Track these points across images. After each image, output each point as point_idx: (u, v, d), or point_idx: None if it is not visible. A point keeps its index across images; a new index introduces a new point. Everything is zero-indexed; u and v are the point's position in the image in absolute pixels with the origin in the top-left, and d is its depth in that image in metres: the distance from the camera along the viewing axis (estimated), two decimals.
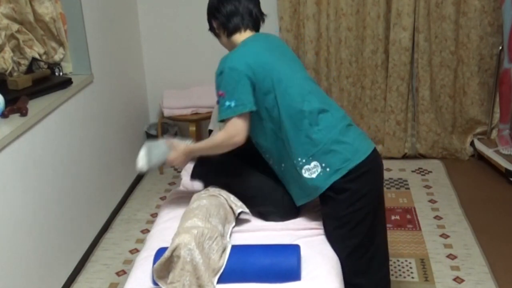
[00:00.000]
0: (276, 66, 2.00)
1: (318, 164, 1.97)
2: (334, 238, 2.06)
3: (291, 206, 2.19)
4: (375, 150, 2.05)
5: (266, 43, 2.11)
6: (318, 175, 1.98)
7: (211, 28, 2.20)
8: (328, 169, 1.97)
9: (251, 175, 2.23)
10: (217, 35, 2.20)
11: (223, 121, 1.99)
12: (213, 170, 2.28)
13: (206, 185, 2.33)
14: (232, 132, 1.96)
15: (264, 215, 2.21)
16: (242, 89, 1.94)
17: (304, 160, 1.99)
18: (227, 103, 1.94)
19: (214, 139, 2.04)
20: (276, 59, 2.03)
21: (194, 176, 2.34)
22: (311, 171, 1.98)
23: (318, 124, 1.98)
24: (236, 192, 2.23)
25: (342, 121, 2.03)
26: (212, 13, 2.15)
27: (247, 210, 2.18)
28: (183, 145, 2.13)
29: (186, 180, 2.63)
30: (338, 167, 1.96)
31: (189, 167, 2.77)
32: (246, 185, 2.23)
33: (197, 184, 2.53)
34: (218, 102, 1.99)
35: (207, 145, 2.07)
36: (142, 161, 2.16)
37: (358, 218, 2.00)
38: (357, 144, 2.01)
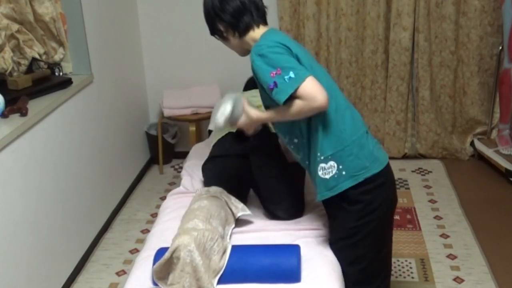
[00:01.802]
0: (305, 56, 1.87)
1: (335, 164, 1.87)
2: (338, 247, 2.01)
3: (298, 202, 2.21)
4: (389, 162, 1.97)
5: (288, 36, 1.99)
6: (332, 176, 1.88)
7: (215, 32, 2.00)
8: (344, 173, 1.87)
9: (262, 168, 2.22)
10: (224, 39, 2.00)
11: (294, 96, 1.76)
12: (224, 160, 2.28)
13: (212, 175, 2.34)
14: (312, 94, 1.73)
15: (272, 211, 2.23)
16: (292, 59, 1.78)
17: (322, 157, 1.87)
18: (286, 76, 1.73)
19: (292, 108, 1.78)
20: (301, 51, 1.88)
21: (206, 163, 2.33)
22: (326, 171, 1.88)
23: (344, 122, 1.88)
24: (245, 183, 2.26)
25: (363, 126, 1.96)
26: (216, 14, 1.94)
27: (247, 212, 2.17)
28: (255, 114, 1.94)
29: (186, 180, 2.63)
30: (355, 173, 1.86)
31: (191, 167, 2.78)
32: (256, 176, 2.25)
33: (197, 184, 2.53)
34: (272, 87, 1.77)
35: (284, 115, 1.84)
36: (226, 110, 1.92)
37: (366, 231, 1.93)
38: (376, 153, 1.92)
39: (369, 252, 1.98)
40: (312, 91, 1.73)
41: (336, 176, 1.87)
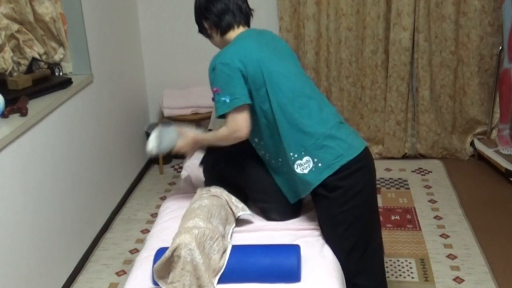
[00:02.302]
0: (267, 61, 2.00)
1: (310, 159, 1.97)
2: (331, 238, 2.05)
3: (292, 205, 2.20)
4: (367, 148, 2.06)
5: (259, 38, 2.10)
6: (310, 170, 1.97)
7: (202, 29, 2.18)
8: (320, 164, 1.96)
9: (257, 169, 2.23)
10: (209, 36, 2.18)
11: (222, 116, 2.00)
12: (222, 159, 2.29)
13: (211, 175, 2.34)
14: (233, 128, 1.98)
15: (265, 212, 2.22)
16: (235, 83, 1.95)
17: (296, 155, 1.98)
18: (222, 99, 1.96)
19: (218, 133, 2.07)
20: (267, 54, 2.03)
21: (203, 162, 2.38)
22: (303, 166, 1.98)
23: (311, 118, 1.99)
24: (240, 184, 2.24)
25: (334, 118, 2.04)
26: (202, 13, 2.13)
27: (248, 212, 2.17)
28: (192, 134, 2.16)
29: (186, 180, 2.63)
30: (330, 163, 1.96)
31: (189, 166, 2.78)
32: (251, 178, 2.24)
33: (198, 184, 2.53)
34: (213, 99, 2.01)
35: (213, 138, 2.12)
36: (152, 144, 2.16)
37: (352, 217, 2.00)
38: (350, 140, 2.01)
39: (361, 240, 2.03)
40: (237, 124, 1.96)
41: (313, 169, 1.97)
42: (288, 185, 2.12)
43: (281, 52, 2.11)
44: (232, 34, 2.11)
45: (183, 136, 2.16)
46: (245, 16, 2.14)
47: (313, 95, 2.05)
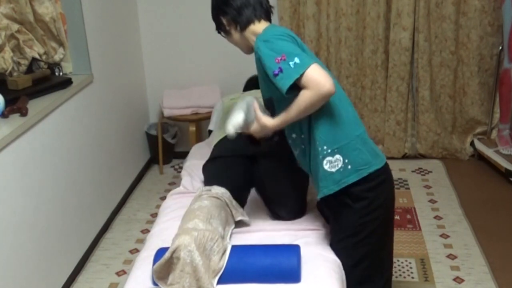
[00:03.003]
0: (307, 51, 1.89)
1: (341, 158, 1.88)
2: (342, 246, 2.01)
3: (301, 202, 2.21)
4: (387, 162, 1.99)
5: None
6: (338, 170, 1.88)
7: (220, 26, 2.05)
8: (349, 167, 1.88)
9: (262, 168, 2.23)
10: (227, 33, 2.05)
11: (291, 91, 1.76)
12: (225, 161, 2.28)
13: (212, 176, 2.35)
14: (316, 84, 1.72)
15: (274, 210, 2.24)
16: (296, 46, 1.79)
17: (329, 150, 1.88)
18: (292, 62, 1.74)
19: (301, 103, 1.78)
20: (305, 46, 1.91)
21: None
22: (332, 164, 1.88)
23: (348, 115, 1.90)
24: (244, 184, 2.25)
25: (362, 124, 1.99)
26: (221, 9, 2.01)
27: (246, 218, 2.17)
28: (265, 120, 1.91)
29: (186, 180, 2.63)
30: (360, 168, 1.88)
31: (190, 167, 2.78)
32: (257, 177, 2.25)
33: (197, 184, 2.53)
34: (277, 73, 1.76)
35: (296, 113, 1.82)
36: (234, 128, 1.91)
37: (370, 228, 1.95)
38: (376, 150, 1.96)
39: (373, 250, 1.99)
40: (318, 76, 1.72)
41: (342, 170, 1.88)
42: (316, 177, 1.99)
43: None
44: (254, 28, 1.96)
45: (258, 120, 1.93)
46: (266, 12, 2.01)
47: (346, 96, 1.97)
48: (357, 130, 1.91)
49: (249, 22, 1.97)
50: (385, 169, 1.96)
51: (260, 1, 2.00)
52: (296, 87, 1.76)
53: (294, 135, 2.00)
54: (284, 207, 2.22)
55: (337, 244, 2.03)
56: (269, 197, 2.27)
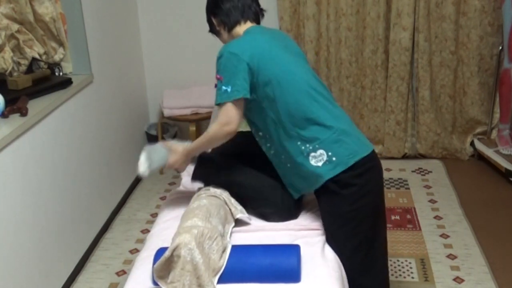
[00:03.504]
0: (278, 55, 2.00)
1: (324, 152, 1.96)
2: (336, 237, 2.05)
3: (291, 207, 2.19)
4: (374, 150, 2.07)
5: (269, 33, 2.11)
6: (324, 163, 1.96)
7: (211, 27, 2.20)
8: (334, 159, 1.96)
9: (251, 176, 2.22)
10: (217, 33, 2.20)
11: (219, 105, 1.98)
12: (214, 172, 2.27)
13: (206, 185, 2.33)
14: (224, 120, 1.95)
15: (264, 216, 2.21)
16: (240, 75, 1.93)
17: (310, 147, 1.97)
18: (224, 88, 1.93)
19: (207, 133, 2.04)
20: (278, 49, 2.03)
21: (195, 177, 2.33)
22: (317, 158, 1.97)
23: (326, 112, 1.98)
24: (236, 193, 2.22)
25: (345, 116, 2.06)
26: (212, 10, 2.15)
27: (246, 215, 2.17)
28: (181, 147, 2.13)
29: (186, 180, 2.63)
30: (345, 158, 1.95)
31: (190, 168, 2.78)
32: (246, 186, 2.22)
33: (197, 184, 2.53)
34: (216, 86, 1.98)
35: (202, 141, 2.07)
36: (143, 166, 2.12)
37: (361, 216, 2.00)
38: (362, 138, 2.04)
39: (367, 239, 2.03)
40: (228, 117, 1.95)
41: (327, 162, 1.97)
42: (290, 180, 2.10)
43: (291, 49, 2.12)
44: (239, 29, 2.11)
45: (173, 151, 2.13)
46: (254, 14, 2.14)
47: (324, 91, 2.05)
48: (338, 122, 1.99)
49: (235, 23, 2.12)
50: (372, 157, 2.02)
51: (249, 4, 2.13)
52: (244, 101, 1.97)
53: (272, 149, 2.11)
54: (270, 212, 2.20)
55: (330, 235, 2.06)
56: (251, 204, 2.24)
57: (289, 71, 1.99)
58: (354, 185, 1.97)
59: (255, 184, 2.21)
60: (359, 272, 2.05)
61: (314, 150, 1.97)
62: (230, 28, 2.12)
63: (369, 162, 2.00)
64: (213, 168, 2.27)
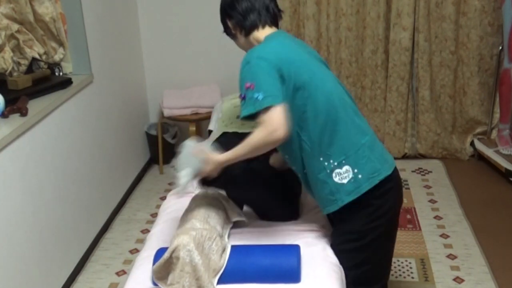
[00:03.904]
0: (308, 64, 1.87)
1: (350, 169, 1.85)
2: (344, 249, 2.00)
3: (291, 212, 2.20)
4: (396, 166, 1.97)
5: (294, 40, 2.01)
6: (349, 181, 1.86)
7: (226, 29, 2.04)
8: (360, 176, 1.85)
9: (251, 184, 2.16)
10: (233, 36, 2.03)
11: (249, 118, 1.77)
12: (213, 182, 2.11)
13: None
14: (270, 128, 1.72)
15: (266, 216, 2.22)
16: (271, 80, 1.76)
17: (336, 163, 1.85)
18: (255, 95, 1.73)
19: (251, 141, 1.78)
20: (307, 57, 1.90)
21: (202, 183, 2.14)
22: (342, 175, 1.86)
23: (354, 126, 1.87)
24: (237, 203, 2.21)
25: (370, 129, 1.95)
26: (227, 12, 1.98)
27: (243, 218, 2.17)
28: (217, 156, 1.87)
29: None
30: (370, 176, 1.86)
31: None
32: (245, 198, 2.21)
33: (196, 184, 2.53)
34: (243, 97, 1.77)
35: (245, 150, 1.81)
36: (185, 180, 1.90)
37: (374, 235, 1.93)
38: (385, 155, 1.94)
39: (374, 255, 1.98)
40: (275, 123, 1.71)
41: (353, 180, 1.86)
42: (318, 194, 1.97)
43: (316, 57, 2.01)
44: (258, 34, 1.94)
45: (209, 161, 1.87)
46: (272, 17, 1.97)
47: (351, 103, 1.92)
48: (363, 138, 1.88)
49: (253, 27, 1.95)
50: (394, 176, 1.94)
51: (266, 5, 1.96)
52: (253, 117, 1.76)
53: (287, 156, 1.98)
54: (273, 215, 2.21)
55: (338, 246, 2.02)
56: (257, 212, 2.25)
57: (319, 79, 1.85)
58: (372, 206, 1.89)
59: (256, 193, 2.17)
60: (355, 283, 2.01)
61: (340, 166, 1.85)
62: (248, 32, 1.96)
63: (390, 182, 1.91)
64: (225, 180, 2.12)
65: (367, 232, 1.93)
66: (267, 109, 1.72)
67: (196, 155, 1.89)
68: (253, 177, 2.12)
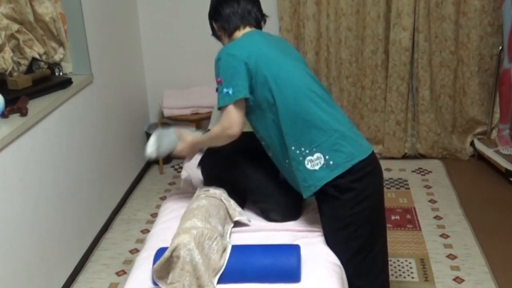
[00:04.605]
0: (276, 56, 2.00)
1: (321, 156, 1.95)
2: (336, 240, 2.04)
3: (293, 206, 2.20)
4: (373, 152, 2.06)
5: (267, 37, 2.11)
6: (321, 167, 1.95)
7: (213, 31, 2.22)
8: (331, 162, 1.94)
9: (256, 170, 2.23)
10: (219, 38, 2.21)
11: (221, 109, 1.99)
12: (221, 161, 2.28)
13: (209, 178, 2.34)
14: (226, 124, 1.96)
15: (265, 213, 2.22)
16: (239, 75, 1.94)
17: (307, 151, 1.96)
18: (225, 90, 1.94)
19: (212, 132, 2.07)
20: (276, 50, 2.03)
21: (201, 163, 2.37)
22: (314, 162, 1.96)
23: (324, 114, 1.96)
24: (240, 186, 2.24)
25: (345, 117, 2.04)
26: (212, 15, 2.17)
27: (245, 217, 2.17)
28: (190, 137, 2.17)
29: (186, 180, 2.63)
30: (342, 161, 1.94)
31: (189, 166, 2.78)
32: (250, 179, 2.23)
33: (197, 184, 2.53)
34: (217, 89, 1.99)
35: (206, 138, 2.12)
36: (151, 148, 2.16)
37: (361, 220, 1.99)
38: (360, 141, 2.02)
39: (367, 242, 2.02)
40: (230, 121, 1.95)
41: (325, 166, 1.95)
42: (298, 182, 2.06)
43: (290, 53, 2.12)
44: (238, 33, 2.11)
45: (182, 139, 2.17)
46: (254, 20, 2.14)
47: (323, 94, 2.03)
48: (335, 125, 1.97)
49: (235, 29, 2.12)
50: (371, 160, 2.01)
51: (249, 10, 2.13)
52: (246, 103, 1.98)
53: (274, 153, 2.11)
54: (272, 208, 2.21)
55: (330, 239, 2.06)
56: (253, 199, 2.27)
57: (287, 72, 1.98)
58: (353, 190, 1.96)
59: (261, 178, 2.22)
60: (358, 275, 2.04)
61: (311, 154, 1.96)
62: (230, 33, 2.12)
63: (368, 165, 1.99)
64: (221, 157, 2.27)
65: (354, 218, 1.98)
66: (228, 105, 1.94)
67: (175, 133, 2.17)
68: (245, 158, 2.28)
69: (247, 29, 2.12)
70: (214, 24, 2.17)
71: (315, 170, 1.96)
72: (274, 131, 2.03)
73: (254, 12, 2.14)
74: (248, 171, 2.24)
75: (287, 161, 2.05)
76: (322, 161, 1.95)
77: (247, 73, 1.95)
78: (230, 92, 1.93)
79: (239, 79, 1.94)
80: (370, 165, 2.00)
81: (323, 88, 2.06)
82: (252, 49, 1.98)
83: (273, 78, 1.95)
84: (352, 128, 2.03)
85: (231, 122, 1.95)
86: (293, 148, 1.98)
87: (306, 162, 1.97)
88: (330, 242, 2.06)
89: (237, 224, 2.17)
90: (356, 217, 1.98)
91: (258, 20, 2.16)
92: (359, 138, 2.03)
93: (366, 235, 2.02)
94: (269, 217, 2.22)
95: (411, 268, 2.84)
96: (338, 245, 2.03)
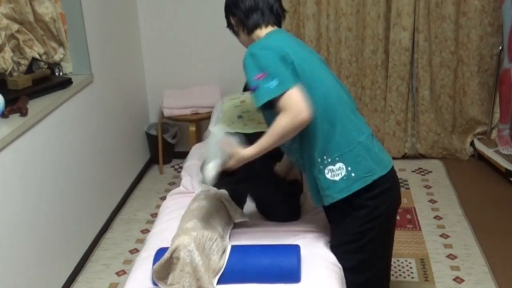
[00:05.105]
0: (308, 58, 1.88)
1: (343, 166, 1.85)
2: (341, 250, 2.00)
3: (293, 207, 2.20)
4: (393, 166, 1.97)
5: (294, 37, 2.01)
6: (341, 178, 1.86)
7: (229, 25, 2.04)
8: (353, 174, 1.85)
9: (267, 188, 2.21)
10: (235, 33, 2.03)
11: (265, 107, 1.75)
12: (241, 173, 2.10)
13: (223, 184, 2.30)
14: (294, 110, 1.70)
15: (266, 213, 2.22)
16: (282, 65, 1.75)
17: (330, 159, 1.85)
18: (269, 83, 1.72)
19: (276, 130, 1.74)
20: (307, 52, 1.91)
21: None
22: (335, 172, 1.86)
23: (350, 123, 1.87)
24: (241, 187, 2.22)
25: (367, 128, 1.95)
26: (230, 9, 1.99)
27: (246, 219, 2.17)
28: (242, 152, 1.82)
29: (186, 180, 2.63)
30: (363, 175, 1.85)
31: (189, 167, 2.78)
32: (262, 200, 2.23)
33: (197, 184, 2.53)
34: (253, 89, 1.76)
35: (271, 140, 1.77)
36: (211, 174, 1.84)
37: (370, 236, 1.93)
38: (381, 155, 1.92)
39: (372, 257, 1.98)
40: (298, 104, 1.70)
41: (345, 178, 1.86)
42: (314, 189, 1.98)
43: (318, 57, 2.01)
44: (260, 32, 1.94)
45: (234, 155, 1.82)
46: (275, 17, 1.98)
47: (350, 101, 1.92)
48: (360, 136, 1.88)
49: (255, 26, 1.95)
50: (390, 177, 1.92)
51: (271, 5, 1.96)
52: (272, 106, 1.74)
53: (284, 145, 1.95)
54: (275, 218, 2.22)
55: (336, 247, 2.02)
56: (258, 208, 2.28)
57: (318, 74, 1.87)
58: (367, 207, 1.89)
59: (270, 196, 2.21)
60: (358, 283, 2.01)
61: (333, 163, 1.85)
62: (250, 30, 1.96)
63: (386, 182, 1.90)
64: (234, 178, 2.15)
65: (363, 234, 1.93)
66: (284, 94, 1.70)
67: (223, 148, 1.84)
68: (270, 175, 2.18)
69: (269, 28, 1.96)
70: (231, 18, 1.99)
71: (334, 181, 1.86)
72: (299, 134, 1.84)
73: (276, 7, 1.98)
74: (258, 184, 2.22)
75: (308, 166, 1.94)
76: (344, 172, 1.85)
77: (286, 66, 1.77)
78: (275, 84, 1.71)
79: (282, 70, 1.75)
80: (388, 182, 1.91)
81: (350, 95, 1.96)
82: (286, 46, 1.82)
83: (306, 79, 1.81)
84: (374, 140, 1.94)
85: (299, 106, 1.70)
86: (315, 154, 1.87)
87: (326, 171, 1.87)
88: (335, 250, 2.02)
89: (237, 224, 2.17)
90: (365, 234, 1.92)
91: (279, 17, 2.00)
92: (381, 152, 1.93)
93: (371, 250, 1.97)
94: (269, 217, 2.22)
95: (411, 268, 2.84)
96: (342, 254, 2.00)
